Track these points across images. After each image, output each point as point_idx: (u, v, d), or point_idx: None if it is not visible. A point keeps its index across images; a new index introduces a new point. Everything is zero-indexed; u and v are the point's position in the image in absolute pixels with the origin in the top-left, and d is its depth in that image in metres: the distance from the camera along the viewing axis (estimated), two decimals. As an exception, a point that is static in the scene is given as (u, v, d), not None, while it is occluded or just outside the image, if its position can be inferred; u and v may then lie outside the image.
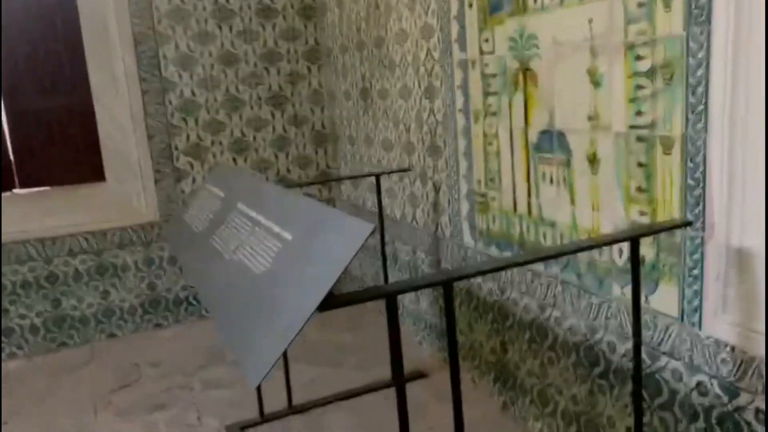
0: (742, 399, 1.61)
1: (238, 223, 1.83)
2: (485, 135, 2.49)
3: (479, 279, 2.68)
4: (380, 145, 3.44)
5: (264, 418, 2.74)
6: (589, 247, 1.39)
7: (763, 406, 1.55)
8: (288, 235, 1.46)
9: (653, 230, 1.50)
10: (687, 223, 1.56)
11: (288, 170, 4.14)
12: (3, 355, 3.58)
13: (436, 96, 2.80)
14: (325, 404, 2.82)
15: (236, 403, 2.91)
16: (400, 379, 1.24)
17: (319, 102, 4.13)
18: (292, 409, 2.78)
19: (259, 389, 2.74)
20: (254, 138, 4.01)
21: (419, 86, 2.93)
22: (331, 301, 1.16)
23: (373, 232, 1.16)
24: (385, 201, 3.46)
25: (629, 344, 1.95)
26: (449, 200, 2.81)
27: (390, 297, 1.22)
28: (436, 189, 2.91)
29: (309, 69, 4.08)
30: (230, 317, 1.43)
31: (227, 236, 1.83)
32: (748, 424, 1.60)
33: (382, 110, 3.35)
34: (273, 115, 4.04)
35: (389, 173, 3.10)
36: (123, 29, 3.62)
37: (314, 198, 3.75)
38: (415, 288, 1.25)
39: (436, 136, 2.85)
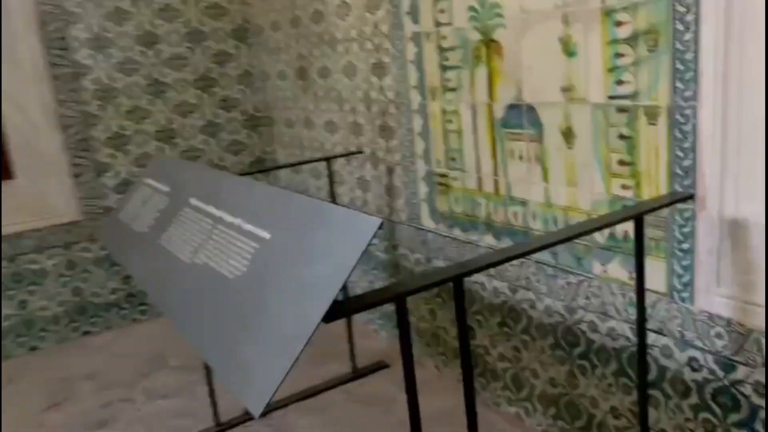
0: (740, 373, 1.57)
1: (193, 220, 1.62)
2: (444, 112, 2.36)
3: (441, 263, 2.57)
4: (323, 128, 3.25)
5: (220, 427, 2.54)
6: (596, 229, 1.29)
7: (762, 379, 1.52)
8: (265, 234, 1.27)
9: (656, 206, 1.42)
10: (689, 196, 1.50)
11: (221, 158, 3.87)
12: None
13: (386, 73, 2.64)
14: (286, 405, 2.65)
15: (187, 412, 2.69)
16: (413, 397, 1.10)
17: (250, 83, 3.87)
18: (250, 414, 2.59)
19: (212, 395, 2.53)
20: (182, 125, 3.72)
21: (366, 63, 2.76)
22: (339, 310, 1.00)
23: (380, 227, 1.01)
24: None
25: (612, 323, 1.89)
26: (405, 182, 2.68)
27: (400, 299, 1.08)
28: (390, 171, 2.77)
29: (238, 48, 3.81)
30: (204, 330, 1.24)
31: (182, 236, 1.62)
32: (747, 397, 1.57)
33: (324, 90, 3.15)
34: (201, 99, 3.75)
35: (341, 157, 2.92)
36: (25, 7, 3.23)
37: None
38: (425, 287, 1.11)
39: (387, 116, 2.70)
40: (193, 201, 1.71)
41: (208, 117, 3.79)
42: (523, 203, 2.11)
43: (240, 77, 3.83)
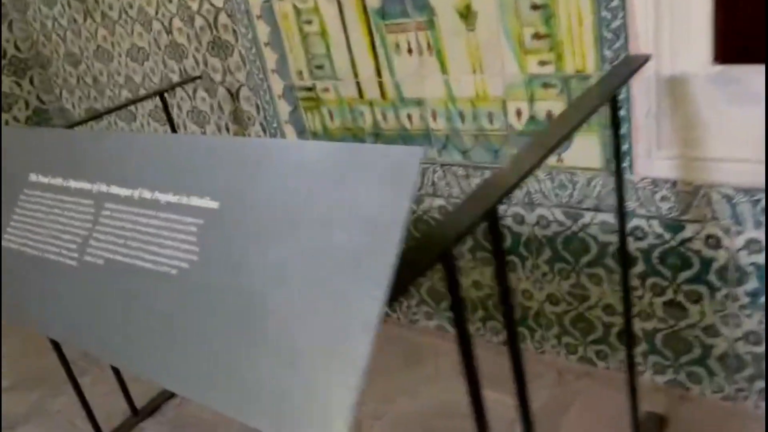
0: (689, 230, 1.57)
1: (49, 205, 1.14)
2: (298, 12, 1.98)
3: (321, 188, 2.28)
4: (127, 57, 2.65)
5: (107, 442, 2.09)
6: (582, 121, 1.09)
7: (715, 231, 1.53)
8: (209, 203, 0.89)
9: (624, 77, 1.26)
10: (648, 58, 1.37)
11: (-13, 118, 3.04)
12: None
13: (206, -25, 2.15)
14: (171, 397, 2.23)
15: (53, 438, 2.18)
16: (471, 367, 0.87)
17: (4, 17, 3.02)
18: (140, 416, 2.16)
19: (87, 407, 2.05)
20: None
21: (175, -34, 2.23)
22: (402, 280, 0.71)
23: (422, 157, 0.71)
24: (152, 126, 2.74)
25: (542, 210, 1.80)
26: (258, 105, 2.28)
27: (447, 254, 0.81)
28: (233, 95, 2.34)
29: (-28, -28, 2.92)
30: (169, 358, 0.85)
31: (40, 230, 1.13)
32: (697, 252, 1.58)
33: (118, 10, 2.53)
34: (-62, 47, 2.86)
35: (177, 86, 2.37)
36: None
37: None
38: (467, 231, 0.84)
39: (218, 29, 2.23)
40: (35, 177, 1.21)
41: (-46, 68, 2.92)
42: (419, 103, 1.88)
43: (-14, 10, 2.97)
